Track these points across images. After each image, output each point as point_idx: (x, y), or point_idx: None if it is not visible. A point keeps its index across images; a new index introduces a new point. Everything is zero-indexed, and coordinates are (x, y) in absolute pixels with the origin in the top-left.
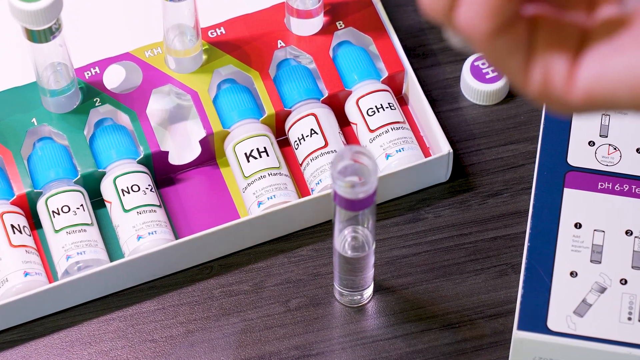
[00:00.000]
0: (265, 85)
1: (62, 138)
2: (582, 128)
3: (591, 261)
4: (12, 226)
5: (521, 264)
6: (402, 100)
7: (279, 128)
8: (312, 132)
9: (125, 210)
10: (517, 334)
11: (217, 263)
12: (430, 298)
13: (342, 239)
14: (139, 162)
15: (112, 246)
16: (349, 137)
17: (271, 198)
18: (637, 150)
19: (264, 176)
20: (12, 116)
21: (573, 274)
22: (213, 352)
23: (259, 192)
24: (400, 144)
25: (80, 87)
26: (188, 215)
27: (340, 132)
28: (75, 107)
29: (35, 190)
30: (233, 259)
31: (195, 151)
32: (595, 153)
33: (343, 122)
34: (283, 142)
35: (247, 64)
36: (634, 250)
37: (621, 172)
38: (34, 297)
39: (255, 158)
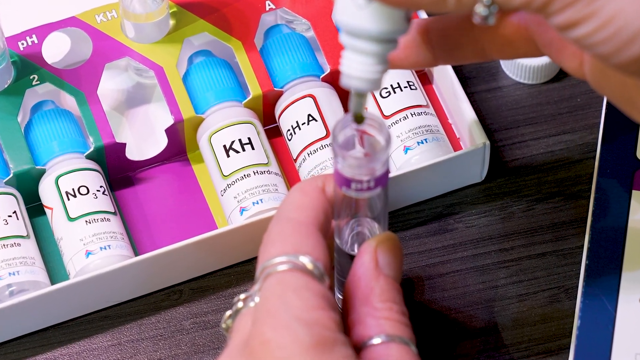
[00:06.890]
0: (249, 58)
1: None
2: None
3: None
4: None
5: (577, 287)
6: (424, 78)
7: (267, 113)
8: (310, 118)
9: (71, 219)
10: None
11: (188, 286)
12: (461, 330)
13: (347, 233)
14: (88, 157)
15: (53, 265)
16: None
17: (257, 203)
18: None
19: (248, 175)
20: None
21: None
22: None
23: (241, 196)
24: (422, 134)
25: (12, 61)
26: (151, 225)
27: None
28: (6, 86)
29: None
30: (208, 282)
31: (160, 143)
32: None
33: None
34: (272, 132)
35: (227, 32)
36: None
37: None
38: None
39: (237, 152)
